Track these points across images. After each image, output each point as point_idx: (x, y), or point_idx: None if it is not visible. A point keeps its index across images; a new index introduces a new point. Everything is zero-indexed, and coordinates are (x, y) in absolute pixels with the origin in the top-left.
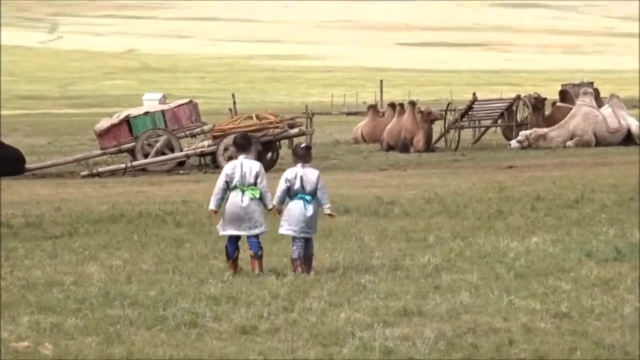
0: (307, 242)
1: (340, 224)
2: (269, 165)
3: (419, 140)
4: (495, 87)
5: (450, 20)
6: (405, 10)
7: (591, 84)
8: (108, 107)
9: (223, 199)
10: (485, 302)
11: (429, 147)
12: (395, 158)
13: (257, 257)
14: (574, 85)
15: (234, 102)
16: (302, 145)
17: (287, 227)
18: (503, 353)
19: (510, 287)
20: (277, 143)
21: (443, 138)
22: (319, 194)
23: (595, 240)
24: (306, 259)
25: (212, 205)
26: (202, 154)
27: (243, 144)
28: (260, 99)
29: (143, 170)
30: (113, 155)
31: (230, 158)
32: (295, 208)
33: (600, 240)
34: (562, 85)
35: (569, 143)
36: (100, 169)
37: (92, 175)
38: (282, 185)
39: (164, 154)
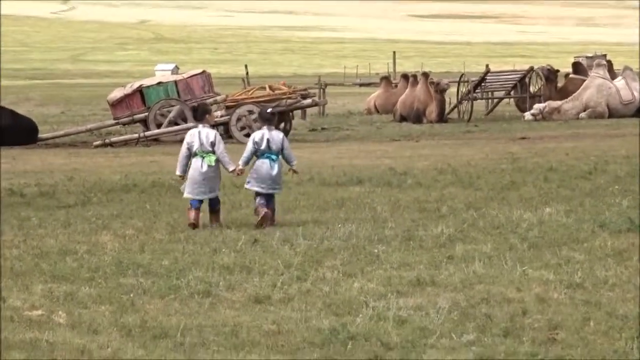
0: (270, 198)
1: (353, 195)
2: None
3: (432, 111)
4: (508, 59)
5: None
6: None
7: (604, 56)
8: (121, 78)
9: (187, 165)
10: (498, 272)
11: (441, 118)
12: (408, 129)
13: (215, 211)
14: (587, 57)
15: (247, 73)
16: (268, 110)
17: (254, 184)
18: (516, 323)
19: (524, 257)
20: (291, 114)
21: (456, 109)
22: (285, 153)
23: (608, 211)
24: (268, 213)
25: (178, 171)
26: (214, 124)
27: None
28: (273, 70)
29: (156, 140)
30: (126, 125)
31: (242, 128)
32: (262, 167)
33: (614, 211)
34: (575, 57)
35: (582, 115)
36: (113, 139)
37: (104, 145)
38: (249, 147)
39: (176, 124)
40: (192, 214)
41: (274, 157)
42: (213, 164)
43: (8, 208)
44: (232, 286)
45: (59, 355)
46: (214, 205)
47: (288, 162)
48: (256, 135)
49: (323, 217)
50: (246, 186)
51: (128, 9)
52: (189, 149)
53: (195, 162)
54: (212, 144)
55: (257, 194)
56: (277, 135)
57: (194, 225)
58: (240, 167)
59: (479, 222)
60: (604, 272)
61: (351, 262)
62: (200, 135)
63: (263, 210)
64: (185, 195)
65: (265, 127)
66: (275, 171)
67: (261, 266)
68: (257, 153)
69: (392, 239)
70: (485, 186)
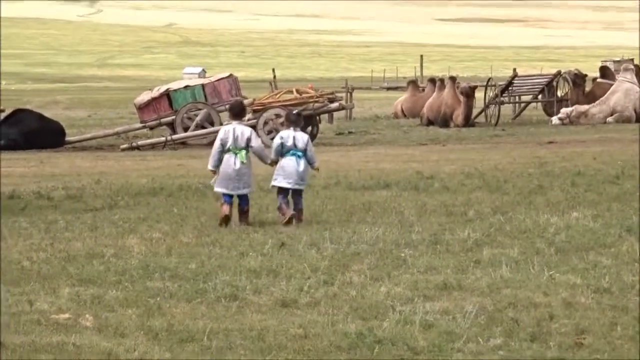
0: (298, 195)
1: (380, 199)
2: None
3: (459, 115)
4: (535, 62)
5: None
6: None
7: (631, 60)
8: (148, 81)
9: (220, 160)
10: (525, 276)
11: (468, 122)
12: (435, 133)
13: (244, 211)
14: (614, 61)
15: (274, 76)
16: (295, 112)
17: (281, 180)
18: (543, 328)
19: (551, 262)
20: (317, 117)
21: (483, 113)
22: (308, 154)
23: (635, 215)
24: (296, 210)
25: (210, 165)
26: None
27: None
28: (300, 74)
29: (183, 143)
30: (153, 129)
31: (270, 132)
32: (289, 163)
33: None
34: (602, 61)
35: (610, 119)
36: (140, 142)
37: (132, 148)
38: (276, 142)
39: (203, 127)
40: (226, 207)
41: (300, 154)
42: (245, 160)
43: (36, 211)
44: (259, 290)
45: (86, 358)
46: (244, 205)
47: (310, 163)
48: (283, 134)
49: (350, 221)
50: (273, 183)
51: (155, 12)
52: (223, 144)
53: (228, 158)
54: (248, 140)
55: (280, 191)
56: (303, 136)
57: (227, 218)
58: (274, 158)
59: (505, 226)
60: (631, 277)
61: (378, 266)
62: (235, 131)
63: (290, 212)
64: (217, 189)
65: (291, 128)
66: (302, 167)
67: (288, 270)
68: (283, 151)
69: (419, 243)
70: (512, 190)
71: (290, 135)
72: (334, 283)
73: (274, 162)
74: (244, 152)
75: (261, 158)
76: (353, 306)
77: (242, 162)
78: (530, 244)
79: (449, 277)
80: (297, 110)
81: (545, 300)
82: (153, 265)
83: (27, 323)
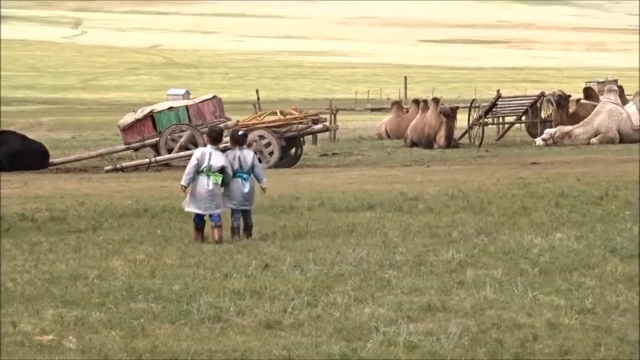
0: (246, 213)
1: (364, 220)
2: (293, 161)
3: (441, 136)
4: (519, 84)
5: (474, 17)
6: (429, 6)
7: (615, 81)
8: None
9: (193, 178)
10: (509, 297)
11: (449, 143)
12: (419, 154)
13: (217, 226)
14: (598, 82)
15: (258, 98)
16: (240, 133)
17: (226, 201)
18: (527, 349)
19: (535, 282)
20: (301, 139)
21: (467, 134)
22: (255, 171)
23: (619, 236)
24: (247, 228)
25: (183, 182)
26: (225, 149)
27: (239, 139)
28: (284, 95)
29: (167, 165)
30: (137, 151)
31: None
32: (235, 185)
33: (625, 236)
34: (586, 82)
35: (593, 140)
36: (124, 164)
37: (115, 169)
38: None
39: (187, 149)
40: (196, 234)
41: (245, 175)
42: (219, 182)
43: (20, 233)
44: (243, 311)
45: None
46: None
47: (258, 179)
48: (229, 154)
49: (334, 242)
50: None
51: (139, 33)
52: (198, 164)
53: (202, 179)
54: (223, 165)
55: (233, 211)
56: (249, 155)
57: (201, 239)
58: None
59: (489, 247)
60: (615, 298)
61: (362, 288)
62: (211, 156)
63: (236, 237)
64: (189, 209)
65: (237, 148)
66: (247, 189)
67: (272, 291)
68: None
69: (403, 264)
70: (496, 211)
71: (237, 157)
72: (317, 304)
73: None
74: (218, 175)
75: (224, 182)
76: (337, 327)
77: (214, 183)
78: (514, 265)
79: (433, 298)
80: (241, 131)
81: (529, 321)
82: (137, 286)
83: (10, 344)
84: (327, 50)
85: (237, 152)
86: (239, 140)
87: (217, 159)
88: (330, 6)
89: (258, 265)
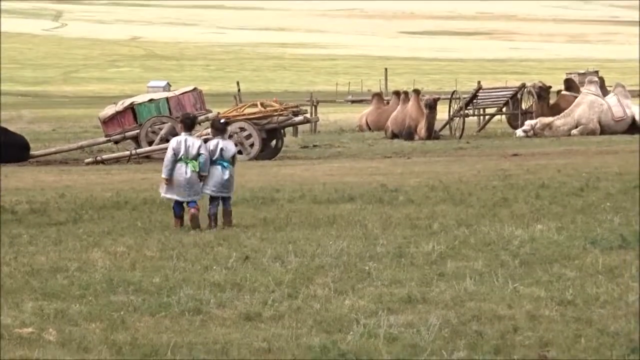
0: (225, 200)
1: (345, 212)
2: (273, 153)
3: (422, 127)
4: (500, 75)
5: (455, 9)
6: None
7: (596, 72)
8: (112, 95)
9: (173, 169)
10: (489, 289)
11: (430, 134)
12: (399, 146)
13: (194, 208)
14: (579, 73)
15: (239, 90)
16: (222, 121)
17: (206, 188)
18: (507, 340)
19: (515, 274)
20: (282, 131)
21: (448, 126)
22: (233, 161)
23: (600, 228)
24: (225, 214)
25: (164, 174)
26: (206, 141)
27: (220, 128)
28: (265, 87)
29: (147, 157)
30: (117, 143)
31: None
32: (216, 172)
33: (605, 228)
34: (567, 73)
35: (574, 131)
36: (105, 156)
37: (96, 162)
38: (169, 154)
39: (168, 141)
40: (176, 221)
41: (225, 163)
42: (197, 169)
43: None
44: (223, 304)
45: None
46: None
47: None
48: (211, 144)
49: (314, 234)
50: (203, 191)
51: (119, 25)
52: (175, 154)
53: (180, 167)
54: (199, 149)
55: (211, 198)
56: (230, 145)
57: (181, 226)
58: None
59: (470, 239)
60: (595, 289)
61: (342, 280)
62: (186, 142)
63: (212, 223)
64: (167, 196)
65: (218, 137)
66: (226, 176)
67: (252, 283)
68: (211, 160)
69: (383, 256)
70: (477, 203)
71: (219, 146)
72: (298, 296)
73: (204, 176)
74: (195, 162)
75: (202, 169)
76: (317, 319)
77: (192, 171)
78: (494, 257)
79: (413, 290)
80: (223, 120)
81: (509, 313)
82: (117, 279)
83: None
84: (308, 42)
85: (219, 141)
86: (219, 129)
87: (193, 145)
88: None
89: (238, 258)
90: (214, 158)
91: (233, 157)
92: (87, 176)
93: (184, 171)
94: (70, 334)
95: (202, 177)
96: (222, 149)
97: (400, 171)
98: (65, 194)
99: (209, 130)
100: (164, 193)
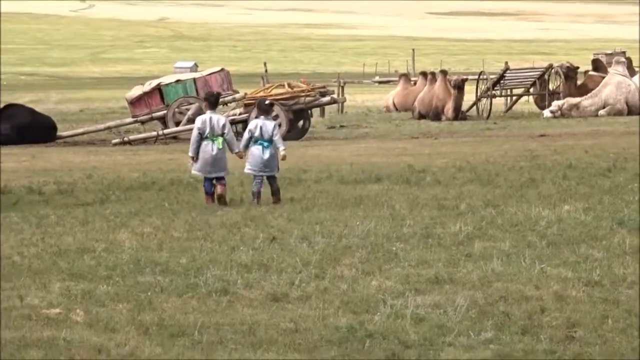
0: (271, 179)
1: (372, 193)
2: (300, 133)
3: (449, 108)
4: (527, 56)
5: None
6: None
7: (623, 53)
8: (140, 76)
9: (199, 147)
10: (517, 270)
11: (457, 115)
12: (426, 126)
13: (220, 184)
14: (606, 54)
15: (266, 71)
16: (266, 102)
17: (248, 167)
18: (534, 321)
19: (542, 255)
20: (309, 111)
21: (475, 107)
22: (275, 139)
23: (627, 208)
24: (273, 193)
25: (190, 152)
26: (233, 122)
27: (265, 108)
28: (292, 68)
29: (174, 138)
30: (144, 124)
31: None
32: (255, 152)
33: (632, 208)
34: (595, 54)
35: (601, 112)
36: (132, 137)
37: (123, 143)
38: (246, 135)
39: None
40: (208, 198)
41: (265, 143)
42: (221, 146)
43: (27, 206)
44: (250, 284)
45: (77, 353)
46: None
47: (277, 146)
48: (251, 125)
49: (341, 215)
50: (245, 170)
51: (147, 6)
52: (201, 133)
53: (206, 145)
54: (224, 127)
55: (255, 176)
56: (270, 125)
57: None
58: (242, 150)
59: (497, 219)
60: (622, 270)
61: (369, 260)
62: (211, 120)
63: (255, 200)
64: (196, 172)
65: (261, 117)
66: (267, 156)
67: (279, 264)
68: (251, 140)
69: (410, 236)
70: (504, 184)
71: (258, 126)
72: (325, 277)
73: (240, 154)
74: (220, 139)
75: (230, 145)
76: (344, 300)
77: (218, 148)
78: (521, 237)
79: (440, 270)
80: (268, 100)
81: (537, 294)
82: (144, 259)
83: (17, 318)
84: (335, 23)
85: (259, 121)
86: (264, 109)
87: (218, 123)
88: None
89: (265, 238)
90: (255, 136)
91: (272, 135)
92: (114, 157)
93: (210, 148)
94: (97, 315)
95: (237, 153)
96: (261, 128)
97: (428, 152)
98: (93, 175)
99: (237, 110)
100: (193, 170)
